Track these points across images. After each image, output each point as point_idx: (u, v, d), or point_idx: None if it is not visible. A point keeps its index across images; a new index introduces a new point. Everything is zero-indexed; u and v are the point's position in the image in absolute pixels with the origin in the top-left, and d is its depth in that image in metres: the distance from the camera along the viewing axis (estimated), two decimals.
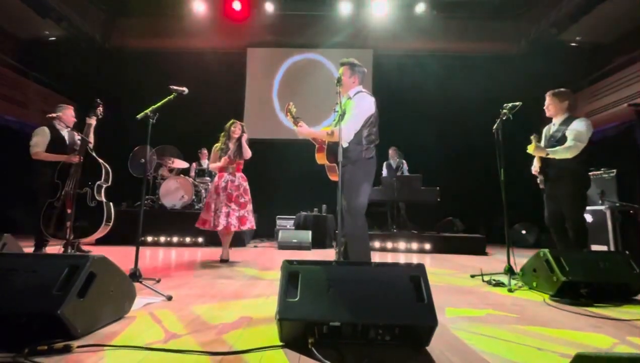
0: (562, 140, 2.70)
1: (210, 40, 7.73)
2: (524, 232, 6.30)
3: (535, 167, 2.93)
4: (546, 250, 2.22)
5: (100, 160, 3.22)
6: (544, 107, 2.92)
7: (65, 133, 3.46)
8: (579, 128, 2.65)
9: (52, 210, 3.03)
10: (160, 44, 7.82)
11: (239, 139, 3.48)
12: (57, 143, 3.37)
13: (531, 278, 2.35)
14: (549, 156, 2.72)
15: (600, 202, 3.96)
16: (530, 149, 2.77)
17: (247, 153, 3.49)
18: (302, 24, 7.77)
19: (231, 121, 3.56)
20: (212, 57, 7.70)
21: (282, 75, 7.91)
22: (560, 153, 2.67)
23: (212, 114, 6.45)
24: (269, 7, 7.30)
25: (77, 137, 3.39)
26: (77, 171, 2.99)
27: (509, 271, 2.50)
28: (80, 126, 3.33)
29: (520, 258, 2.80)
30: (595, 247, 3.78)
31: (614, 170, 4.10)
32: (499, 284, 2.47)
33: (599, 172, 4.18)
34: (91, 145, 3.28)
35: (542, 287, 2.22)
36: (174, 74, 6.78)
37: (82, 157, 2.98)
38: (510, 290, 2.30)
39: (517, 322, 1.62)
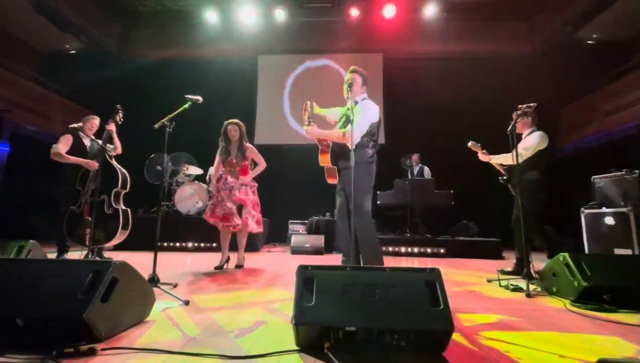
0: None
1: (222, 49, 7.90)
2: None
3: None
4: (566, 254, 2.17)
5: (118, 167, 3.29)
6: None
7: (88, 141, 3.55)
8: (529, 139, 3.01)
9: (74, 217, 3.13)
10: (173, 53, 8.03)
11: (241, 141, 3.32)
12: (78, 150, 3.46)
13: (551, 283, 2.29)
14: (491, 161, 3.10)
15: (622, 203, 3.83)
16: (480, 157, 3.16)
17: (262, 163, 3.38)
18: (312, 30, 7.85)
19: (226, 122, 3.36)
20: (224, 65, 7.86)
21: (293, 81, 8.00)
22: (502, 159, 3.05)
23: (224, 120, 6.56)
24: (279, 15, 7.41)
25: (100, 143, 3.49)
26: (95, 178, 3.09)
27: (527, 275, 2.44)
28: (100, 133, 3.45)
29: (539, 262, 2.73)
30: (618, 251, 3.65)
31: (637, 171, 3.95)
32: (517, 289, 2.41)
33: (620, 173, 4.04)
34: (117, 151, 3.41)
35: (562, 292, 2.16)
36: (188, 83, 6.94)
37: (98, 164, 3.08)
38: (528, 295, 2.24)
39: (536, 327, 1.58)
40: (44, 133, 6.85)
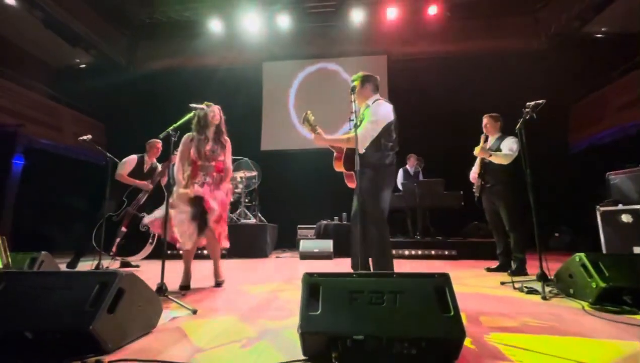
0: (496, 152, 3.35)
1: (226, 57, 8.00)
2: (556, 234, 5.98)
3: (474, 173, 3.54)
4: (582, 254, 2.09)
5: (166, 192, 3.50)
6: (483, 126, 3.52)
7: (148, 164, 3.90)
8: (511, 143, 3.30)
9: (109, 224, 3.43)
10: (179, 63, 8.17)
11: (219, 127, 2.67)
12: (136, 171, 3.83)
13: (567, 284, 2.22)
14: (490, 158, 3.31)
15: None
16: (477, 151, 3.37)
17: (229, 168, 2.75)
18: (316, 35, 7.89)
19: (203, 105, 2.62)
20: (229, 73, 7.95)
21: (298, 86, 8.03)
22: (500, 157, 3.27)
23: (230, 128, 6.60)
24: (283, 22, 7.47)
25: (159, 168, 3.90)
26: (144, 196, 3.49)
27: (542, 277, 2.37)
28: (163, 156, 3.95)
29: (554, 263, 2.65)
30: (638, 249, 3.53)
31: None
32: (531, 291, 2.34)
33: (637, 169, 3.92)
34: (163, 181, 3.71)
35: (579, 294, 2.09)
36: (194, 92, 7.01)
37: (151, 186, 3.54)
38: (544, 298, 2.17)
39: (554, 332, 1.52)
40: (57, 146, 7.01)
